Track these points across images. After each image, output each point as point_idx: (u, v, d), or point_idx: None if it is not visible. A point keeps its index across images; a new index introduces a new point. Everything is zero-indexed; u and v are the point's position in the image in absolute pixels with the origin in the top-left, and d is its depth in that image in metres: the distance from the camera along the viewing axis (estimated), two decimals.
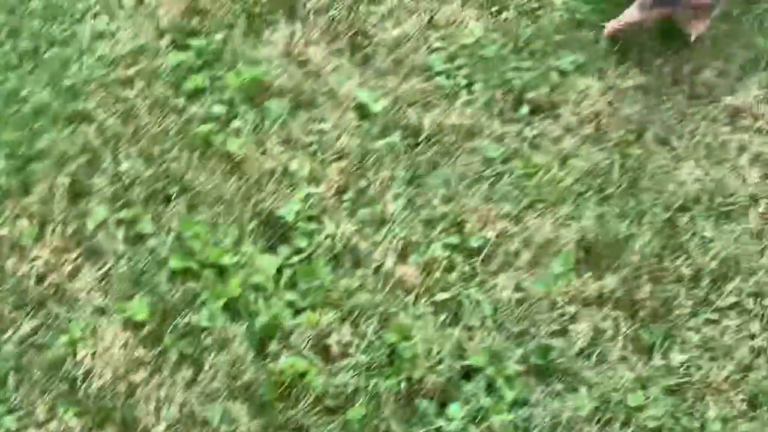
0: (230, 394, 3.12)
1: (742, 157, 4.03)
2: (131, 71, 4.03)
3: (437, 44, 4.29)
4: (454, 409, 3.14)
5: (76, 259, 3.44)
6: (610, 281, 3.53)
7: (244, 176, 3.72)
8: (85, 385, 3.10)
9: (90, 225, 3.52)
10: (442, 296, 3.44)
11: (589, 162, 3.95)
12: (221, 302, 3.31)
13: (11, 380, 3.10)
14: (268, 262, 3.44)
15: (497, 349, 3.30)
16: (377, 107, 4.03)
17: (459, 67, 4.23)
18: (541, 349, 3.32)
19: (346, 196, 3.72)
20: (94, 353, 3.15)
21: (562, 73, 4.27)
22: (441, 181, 3.80)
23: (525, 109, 4.12)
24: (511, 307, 3.45)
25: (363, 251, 3.55)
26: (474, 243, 3.61)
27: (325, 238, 3.56)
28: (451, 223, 3.67)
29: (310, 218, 3.62)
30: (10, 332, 3.22)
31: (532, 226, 3.69)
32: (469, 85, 4.19)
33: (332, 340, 3.25)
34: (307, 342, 3.24)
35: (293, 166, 3.77)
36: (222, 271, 3.42)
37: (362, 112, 4.03)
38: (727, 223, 3.82)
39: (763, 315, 3.54)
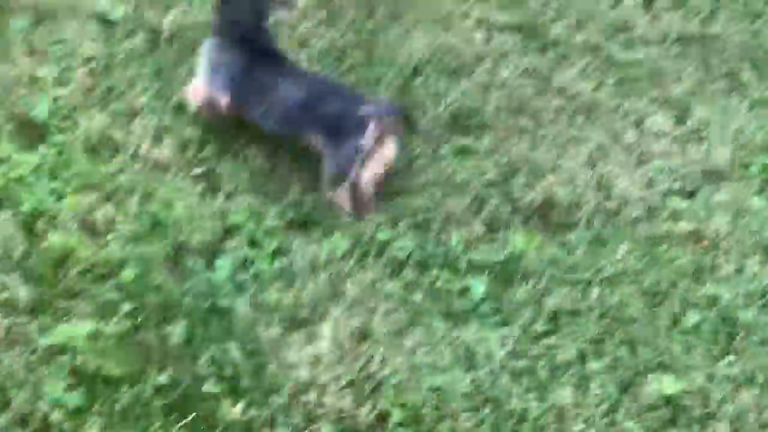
0: (4, 268, 3.27)
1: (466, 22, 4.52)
2: None
3: None
4: (221, 262, 3.40)
5: None
6: None
7: None
8: None
9: None
10: (198, 170, 3.71)
11: (326, 42, 4.31)
12: None
13: None
14: (28, 158, 3.62)
15: (255, 208, 3.59)
16: (117, 14, 4.28)
17: None
18: (295, 205, 3.63)
19: (95, 95, 3.94)
20: None
21: None
22: (186, 73, 4.06)
23: None
24: (265, 171, 3.75)
25: (119, 140, 3.77)
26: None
27: (81, 132, 3.77)
28: None
29: (64, 117, 3.82)
30: None
31: None
32: None
33: (97, 218, 3.46)
34: (73, 221, 3.44)
35: (40, 72, 3.97)
36: None
37: (103, 20, 4.27)
38: (457, 79, 4.27)
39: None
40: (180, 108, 3.90)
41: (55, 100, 3.87)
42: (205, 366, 3.06)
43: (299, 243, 3.50)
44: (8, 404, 2.90)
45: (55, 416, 2.88)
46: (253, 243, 3.48)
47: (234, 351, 3.11)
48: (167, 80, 4.03)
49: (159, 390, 3.00)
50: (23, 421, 2.88)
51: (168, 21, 4.28)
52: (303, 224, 3.59)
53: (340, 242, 3.52)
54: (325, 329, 3.21)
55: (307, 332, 3.21)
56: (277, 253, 3.46)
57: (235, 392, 3.03)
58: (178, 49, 4.19)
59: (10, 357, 3.02)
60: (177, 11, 4.34)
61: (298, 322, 3.24)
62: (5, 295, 3.19)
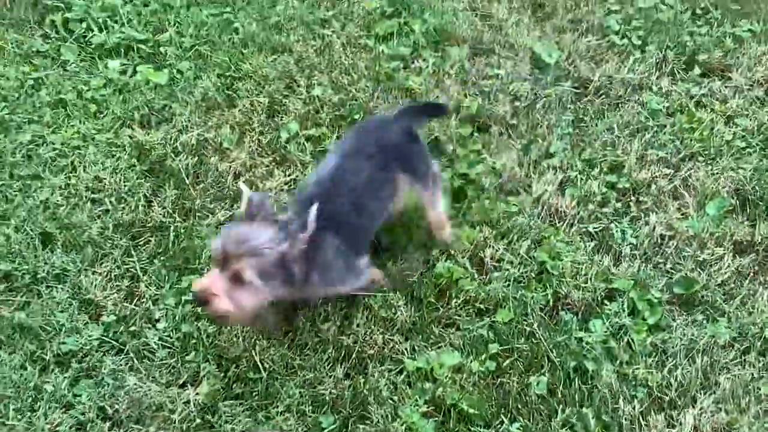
0: (391, 288, 3.44)
1: None
2: (329, 13, 4.55)
3: (614, 7, 4.59)
4: (596, 324, 3.37)
5: (268, 164, 3.90)
6: (764, 229, 3.67)
7: None
8: None
9: (283, 137, 3.99)
10: (593, 226, 3.69)
11: (756, 121, 4.13)
12: None
13: (204, 256, 3.53)
14: None
15: (642, 277, 3.50)
16: (551, 59, 4.35)
17: (634, 29, 4.51)
18: (685, 281, 3.49)
19: (515, 132, 4.05)
20: None
21: (737, 39, 4.47)
22: (605, 127, 4.07)
23: (696, 71, 4.34)
24: (661, 242, 3.66)
25: (524, 181, 3.84)
26: (629, 183, 3.84)
27: (490, 167, 3.88)
28: (610, 164, 3.91)
29: (473, 151, 3.95)
30: (209, 219, 3.69)
31: (688, 173, 3.89)
32: (642, 45, 4.46)
33: (487, 254, 3.55)
34: (465, 253, 3.55)
35: (466, 102, 4.12)
36: None
37: (536, 62, 4.36)
38: None
39: None
40: (589, 162, 3.91)
41: (472, 133, 4.04)
42: (558, 426, 3.05)
43: (680, 322, 3.39)
44: (368, 417, 3.08)
45: None
46: (632, 312, 3.41)
47: (590, 418, 3.06)
48: (583, 131, 4.07)
49: None
50: None
51: (598, 74, 4.31)
52: (688, 303, 3.46)
53: (723, 330, 3.36)
54: (689, 418, 3.07)
55: (669, 416, 3.10)
56: (654, 328, 3.37)
57: None
58: (602, 102, 4.21)
59: (378, 372, 3.20)
60: (609, 66, 4.36)
61: (662, 404, 3.14)
62: (386, 312, 3.37)
